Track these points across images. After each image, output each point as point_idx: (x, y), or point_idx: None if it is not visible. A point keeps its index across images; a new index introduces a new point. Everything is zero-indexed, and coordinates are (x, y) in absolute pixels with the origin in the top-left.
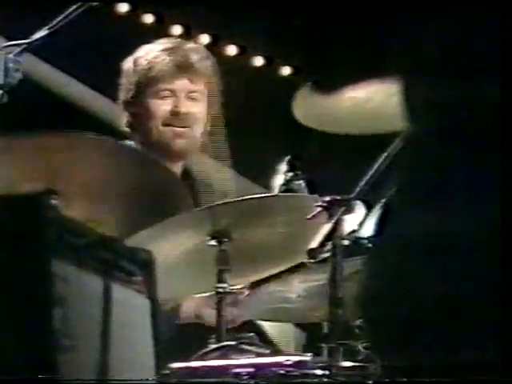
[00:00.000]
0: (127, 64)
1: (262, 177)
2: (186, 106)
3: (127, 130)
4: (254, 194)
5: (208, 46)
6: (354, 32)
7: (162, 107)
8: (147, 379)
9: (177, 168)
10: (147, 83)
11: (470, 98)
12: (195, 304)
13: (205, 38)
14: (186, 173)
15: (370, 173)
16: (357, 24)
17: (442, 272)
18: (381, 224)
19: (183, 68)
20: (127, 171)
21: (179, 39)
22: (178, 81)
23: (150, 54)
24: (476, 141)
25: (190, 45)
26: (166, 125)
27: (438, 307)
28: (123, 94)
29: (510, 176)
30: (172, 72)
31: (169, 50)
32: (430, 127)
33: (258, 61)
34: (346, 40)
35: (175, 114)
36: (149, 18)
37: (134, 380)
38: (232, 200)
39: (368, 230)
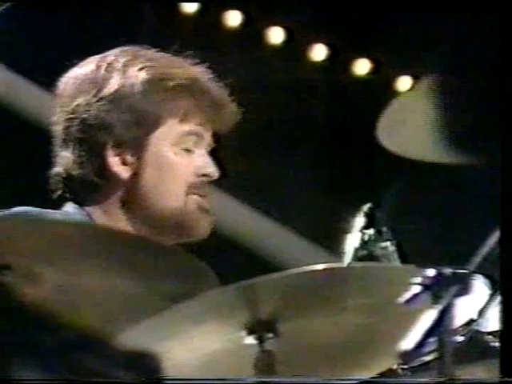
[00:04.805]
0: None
1: (324, 236)
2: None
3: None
4: (312, 264)
5: (239, 28)
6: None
7: (186, 162)
8: (147, 379)
9: None
10: (157, 120)
11: None
12: None
13: (233, 16)
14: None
15: (497, 235)
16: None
17: None
18: None
19: (212, 103)
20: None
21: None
22: (205, 124)
23: (163, 67)
24: None
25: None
26: (190, 192)
27: None
28: (118, 132)
29: None
30: (198, 107)
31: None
32: None
33: (316, 51)
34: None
35: (205, 176)
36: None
37: (134, 380)
38: (279, 274)
39: (493, 320)
